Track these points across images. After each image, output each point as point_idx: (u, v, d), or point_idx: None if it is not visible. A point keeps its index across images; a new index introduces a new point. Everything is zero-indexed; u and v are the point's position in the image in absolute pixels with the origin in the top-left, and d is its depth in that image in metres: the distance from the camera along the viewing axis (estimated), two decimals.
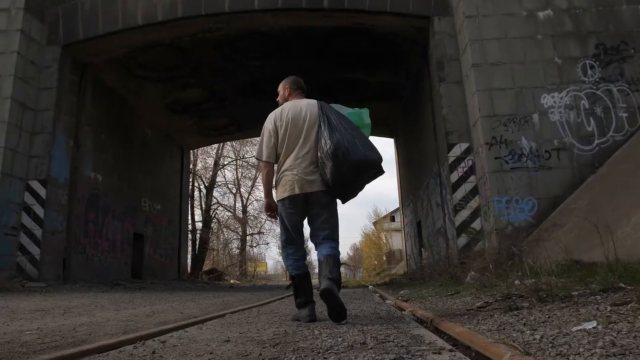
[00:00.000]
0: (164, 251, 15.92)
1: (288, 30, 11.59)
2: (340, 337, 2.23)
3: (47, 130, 10.22)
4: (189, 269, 27.99)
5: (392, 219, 64.21)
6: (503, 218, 8.15)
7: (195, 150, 30.61)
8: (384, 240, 56.76)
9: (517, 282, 4.22)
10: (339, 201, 3.39)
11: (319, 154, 3.16)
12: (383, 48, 12.11)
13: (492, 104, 8.73)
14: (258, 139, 3.81)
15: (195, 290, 10.12)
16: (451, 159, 9.31)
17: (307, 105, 3.37)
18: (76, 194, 10.99)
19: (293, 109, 3.37)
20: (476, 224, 8.94)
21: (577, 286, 3.06)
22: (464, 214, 9.02)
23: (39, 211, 9.73)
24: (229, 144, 33.11)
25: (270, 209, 3.46)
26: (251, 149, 34.10)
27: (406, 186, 16.18)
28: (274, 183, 3.43)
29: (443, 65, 9.81)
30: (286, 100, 3.56)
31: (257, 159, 3.54)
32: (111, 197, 12.63)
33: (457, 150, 9.34)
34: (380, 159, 3.22)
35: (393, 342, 2.01)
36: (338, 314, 3.01)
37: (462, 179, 9.19)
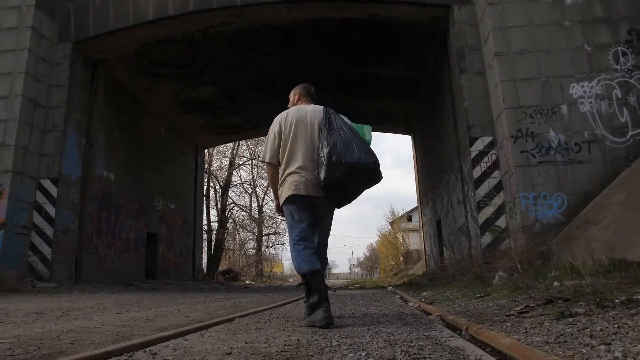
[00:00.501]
0: (179, 251, 15.73)
1: (300, 23, 11.26)
2: (363, 349, 1.88)
3: (58, 127, 10.05)
4: (204, 269, 27.95)
5: (409, 219, 63.57)
6: (530, 215, 7.69)
7: (211, 150, 30.57)
8: (401, 240, 56.18)
9: (555, 283, 3.81)
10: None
11: (318, 155, 3.20)
12: (399, 40, 11.69)
13: (516, 95, 8.28)
14: None
15: (208, 291, 9.85)
16: (473, 154, 8.86)
17: (312, 111, 3.44)
18: (88, 192, 10.82)
19: (298, 113, 3.44)
20: (501, 222, 8.48)
21: (636, 289, 2.66)
22: (488, 211, 8.57)
23: (50, 210, 9.56)
24: (244, 143, 32.98)
25: (281, 209, 3.44)
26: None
27: (425, 184, 15.73)
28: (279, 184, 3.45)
29: (464, 55, 9.37)
30: (295, 105, 3.67)
31: (262, 160, 3.62)
32: (124, 196, 12.46)
33: (479, 145, 8.90)
34: (375, 162, 3.19)
35: (429, 358, 1.65)
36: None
37: (486, 175, 8.74)
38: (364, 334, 2.39)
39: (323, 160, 3.11)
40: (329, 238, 3.58)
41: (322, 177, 3.09)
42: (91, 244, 10.86)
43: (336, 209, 3.51)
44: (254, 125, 17.83)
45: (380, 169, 3.28)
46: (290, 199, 3.25)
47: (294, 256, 3.23)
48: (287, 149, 3.35)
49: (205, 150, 28.37)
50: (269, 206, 37.23)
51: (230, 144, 31.56)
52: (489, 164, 8.78)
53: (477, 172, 8.79)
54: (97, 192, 11.27)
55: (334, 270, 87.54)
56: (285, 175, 3.33)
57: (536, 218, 7.66)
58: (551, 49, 8.41)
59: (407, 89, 14.51)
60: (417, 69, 13.17)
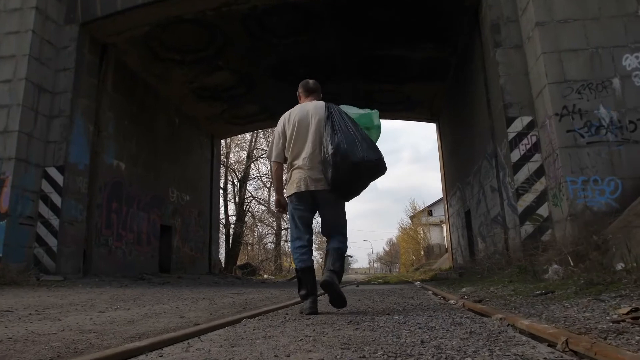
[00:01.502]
0: (194, 244, 15.20)
1: (320, 2, 10.52)
2: None
3: (64, 113, 9.53)
4: (222, 263, 27.54)
5: (430, 213, 62.60)
6: (579, 202, 6.83)
7: (228, 142, 30.09)
8: (422, 235, 55.26)
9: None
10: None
11: (322, 154, 3.32)
12: (427, 17, 10.85)
13: (561, 68, 7.40)
14: None
15: (222, 286, 9.24)
16: (511, 135, 8.02)
17: (314, 108, 3.52)
18: (97, 182, 10.31)
19: (300, 112, 3.54)
20: (543, 210, 7.64)
21: None
22: (528, 199, 7.73)
23: (57, 200, 9.05)
24: (262, 136, 32.44)
25: (280, 204, 3.69)
26: None
27: (451, 174, 14.85)
28: (284, 181, 3.67)
29: (499, 27, 8.50)
30: (299, 103, 3.76)
31: (268, 158, 3.86)
32: (136, 186, 11.93)
33: (517, 125, 8.04)
34: (379, 159, 3.32)
35: None
36: (338, 302, 3.27)
37: (525, 158, 7.89)
38: (420, 350, 1.66)
39: (329, 160, 3.23)
40: (347, 228, 3.64)
41: (329, 176, 3.24)
42: (101, 236, 10.35)
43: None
44: (272, 114, 17.15)
45: (385, 161, 3.39)
46: (292, 197, 3.46)
47: (291, 250, 3.59)
48: (291, 147, 3.49)
49: (222, 142, 27.99)
50: None
51: (248, 137, 31.10)
52: (528, 147, 7.93)
53: (515, 155, 7.94)
54: (107, 181, 10.75)
55: (354, 265, 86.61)
56: (289, 171, 3.52)
57: (586, 205, 6.80)
58: (601, 16, 7.50)
59: (435, 73, 13.63)
60: (447, 51, 12.29)
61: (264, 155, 33.94)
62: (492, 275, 7.08)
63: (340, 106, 3.60)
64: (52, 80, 9.62)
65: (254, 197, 32.69)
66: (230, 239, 28.48)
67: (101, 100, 10.68)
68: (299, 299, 3.56)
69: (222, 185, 30.04)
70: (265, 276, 22.55)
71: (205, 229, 16.25)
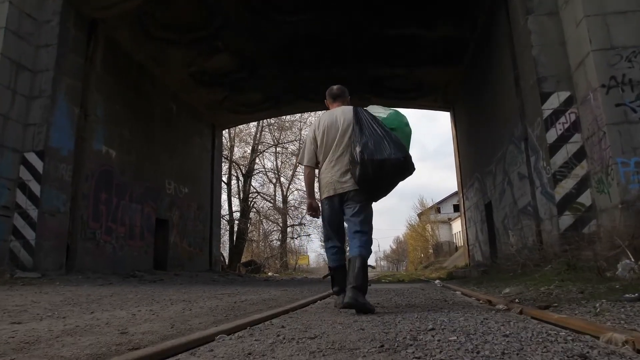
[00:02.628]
0: (193, 240, 14.29)
1: None
2: None
3: (46, 93, 8.63)
4: (226, 260, 26.67)
5: (438, 211, 61.62)
6: (633, 187, 5.81)
7: (232, 135, 29.16)
8: (430, 232, 54.40)
9: None
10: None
11: (350, 155, 3.40)
12: None
13: (607, 33, 6.38)
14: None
15: (218, 284, 8.32)
16: (546, 113, 7.01)
17: (342, 113, 3.62)
18: (83, 170, 9.41)
19: (329, 118, 3.65)
20: (585, 198, 6.62)
21: None
22: (567, 185, 6.72)
23: (35, 188, 8.16)
24: (267, 129, 31.49)
25: (312, 208, 3.73)
26: (291, 133, 32.38)
27: (468, 164, 13.82)
28: (316, 185, 3.77)
29: None
30: (328, 109, 3.87)
31: (299, 163, 4.06)
32: (128, 176, 11.03)
33: (553, 102, 7.03)
34: (405, 157, 3.33)
35: None
36: (364, 312, 3.09)
37: (563, 139, 6.88)
38: None
39: (357, 158, 3.31)
40: (372, 231, 3.57)
41: (357, 174, 3.32)
42: (87, 229, 9.46)
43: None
44: (276, 103, 16.22)
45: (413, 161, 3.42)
46: (323, 201, 3.60)
47: (325, 251, 3.81)
48: (322, 152, 3.60)
49: (226, 134, 27.07)
50: (294, 196, 35.85)
51: (253, 130, 30.17)
52: (566, 126, 6.91)
53: (551, 136, 6.93)
54: (95, 170, 9.85)
55: None
56: (320, 175, 3.65)
57: None
58: None
59: (450, 55, 12.60)
60: (465, 28, 11.26)
61: (270, 150, 33.08)
62: (527, 272, 6.08)
63: (368, 107, 3.68)
64: (32, 57, 8.71)
65: (259, 193, 31.77)
66: (235, 236, 27.58)
67: (89, 81, 9.78)
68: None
69: (225, 180, 29.21)
70: (269, 274, 21.64)
71: (206, 224, 15.34)
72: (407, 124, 3.62)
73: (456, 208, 62.62)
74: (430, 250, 52.36)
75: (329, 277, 3.64)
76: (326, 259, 3.76)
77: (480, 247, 12.39)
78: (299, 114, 31.13)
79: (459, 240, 53.78)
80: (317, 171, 3.73)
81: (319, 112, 31.76)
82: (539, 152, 7.36)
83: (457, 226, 60.48)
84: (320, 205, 3.66)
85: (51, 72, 8.71)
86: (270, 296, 4.78)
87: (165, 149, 12.93)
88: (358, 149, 3.29)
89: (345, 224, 3.61)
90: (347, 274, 3.25)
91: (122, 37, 10.94)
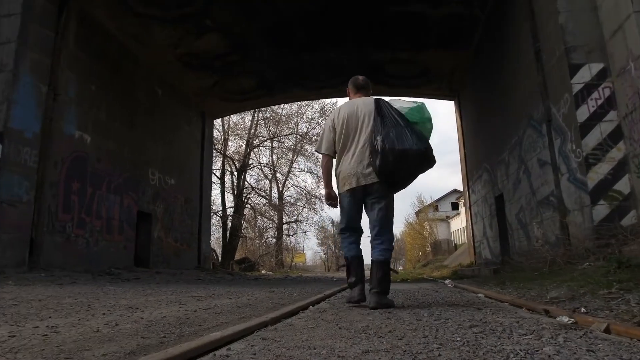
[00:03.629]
0: (180, 235, 13.32)
1: None
2: None
3: (7, 68, 7.67)
4: (218, 257, 25.71)
5: (436, 209, 60.87)
6: None
7: (226, 129, 28.16)
8: (429, 230, 53.68)
9: None
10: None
11: (371, 145, 3.33)
12: None
13: None
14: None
15: (201, 284, 7.38)
16: (576, 88, 6.08)
17: (363, 104, 3.58)
18: (51, 155, 8.43)
19: (349, 108, 3.60)
20: (622, 185, 5.71)
21: None
22: (602, 170, 5.80)
23: None
24: (263, 123, 30.47)
25: (330, 198, 3.64)
26: (287, 128, 31.36)
27: (475, 155, 12.89)
28: (333, 175, 3.66)
29: None
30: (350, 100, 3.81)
31: (317, 151, 3.78)
32: (105, 164, 10.04)
33: (584, 75, 6.11)
34: (427, 148, 3.29)
35: None
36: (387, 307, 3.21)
37: (596, 117, 5.96)
38: None
39: (377, 148, 3.27)
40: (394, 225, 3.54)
41: (377, 164, 3.27)
42: (56, 221, 8.48)
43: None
44: (269, 90, 15.23)
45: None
46: (344, 193, 3.52)
47: (340, 242, 3.81)
48: (341, 142, 3.54)
49: (219, 126, 26.09)
50: (290, 192, 34.92)
51: (248, 123, 29.16)
52: (600, 102, 5.99)
53: (582, 114, 6.01)
54: (66, 155, 8.86)
55: None
56: (339, 166, 3.56)
57: None
58: None
59: (458, 35, 11.63)
60: (474, 4, 10.31)
61: (265, 144, 32.04)
62: (557, 271, 5.16)
63: (389, 100, 3.58)
64: None
65: (254, 189, 30.76)
66: (228, 232, 26.59)
67: (59, 57, 8.78)
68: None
69: (219, 175, 28.20)
70: (262, 272, 20.68)
71: (194, 218, 14.37)
72: (429, 119, 3.52)
73: (454, 206, 62.00)
74: (429, 249, 51.66)
75: (345, 267, 3.57)
76: (342, 250, 3.62)
77: (489, 243, 11.47)
78: (296, 108, 30.27)
79: (458, 239, 53.04)
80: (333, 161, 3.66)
81: (316, 106, 30.95)
82: (566, 133, 6.43)
83: (455, 224, 59.82)
84: (340, 197, 3.58)
85: (13, 44, 7.75)
86: (251, 300, 3.84)
87: (149, 136, 11.95)
88: (379, 138, 3.25)
89: (367, 216, 3.53)
90: (372, 277, 3.29)
91: (99, 11, 9.96)
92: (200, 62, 12.95)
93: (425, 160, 3.30)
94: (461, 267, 13.35)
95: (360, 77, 3.82)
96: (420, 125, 3.41)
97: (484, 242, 12.05)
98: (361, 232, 3.61)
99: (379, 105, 3.45)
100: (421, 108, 3.54)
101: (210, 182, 16.28)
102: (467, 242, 14.76)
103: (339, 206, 3.63)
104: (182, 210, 13.55)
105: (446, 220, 62.18)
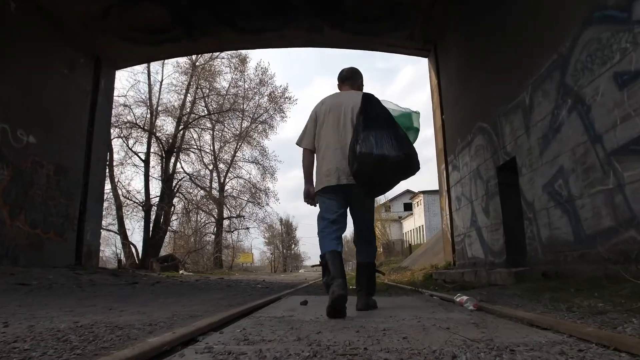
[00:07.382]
0: (43, 218, 9.22)
1: None
2: None
3: None
4: (139, 254, 21.46)
5: (389, 209, 59.05)
6: None
7: (154, 105, 23.78)
8: (381, 230, 51.26)
9: None
10: None
11: (350, 149, 3.13)
12: None
13: None
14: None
15: (36, 296, 3.53)
16: None
17: (348, 98, 3.38)
18: None
19: (333, 101, 3.42)
20: None
21: None
22: None
23: None
24: (202, 103, 26.34)
25: (310, 195, 3.44)
26: (233, 114, 27.41)
27: (460, 118, 9.57)
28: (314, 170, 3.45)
29: None
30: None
31: (297, 145, 3.56)
32: None
33: None
34: (407, 155, 3.04)
35: None
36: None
37: None
38: None
39: (355, 150, 3.03)
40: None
41: (354, 168, 3.05)
42: None
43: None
44: (189, 30, 11.37)
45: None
46: (322, 190, 3.27)
47: (319, 242, 3.25)
48: (321, 136, 3.35)
49: (144, 96, 21.72)
50: (232, 184, 31.05)
51: (176, 101, 24.94)
52: None
53: None
54: None
55: None
56: (319, 162, 3.34)
57: None
58: None
59: None
60: None
61: (206, 127, 27.83)
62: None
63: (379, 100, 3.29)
64: None
65: (188, 175, 26.43)
66: (151, 225, 22.29)
67: None
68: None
69: (143, 158, 23.79)
70: (181, 272, 16.65)
71: (73, 197, 10.26)
72: (417, 130, 3.48)
73: (407, 207, 60.20)
74: (380, 250, 49.11)
75: (320, 266, 3.13)
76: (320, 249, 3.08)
77: (482, 236, 8.19)
78: (242, 92, 26.48)
79: (412, 239, 50.71)
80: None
81: (258, 54, 26.91)
82: None
83: (408, 225, 57.75)
84: (318, 194, 3.31)
85: None
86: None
87: None
88: (359, 140, 3.01)
89: (351, 216, 3.36)
90: (358, 279, 3.33)
91: None
92: None
93: (407, 167, 3.06)
94: (436, 270, 10.03)
95: (345, 69, 3.64)
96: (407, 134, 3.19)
97: (472, 235, 8.76)
98: (345, 228, 3.28)
99: (365, 101, 3.16)
100: (411, 116, 3.46)
101: (105, 153, 12.21)
102: (443, 236, 11.47)
103: (318, 205, 3.33)
104: (49, 184, 9.43)
105: (399, 220, 60.36)
